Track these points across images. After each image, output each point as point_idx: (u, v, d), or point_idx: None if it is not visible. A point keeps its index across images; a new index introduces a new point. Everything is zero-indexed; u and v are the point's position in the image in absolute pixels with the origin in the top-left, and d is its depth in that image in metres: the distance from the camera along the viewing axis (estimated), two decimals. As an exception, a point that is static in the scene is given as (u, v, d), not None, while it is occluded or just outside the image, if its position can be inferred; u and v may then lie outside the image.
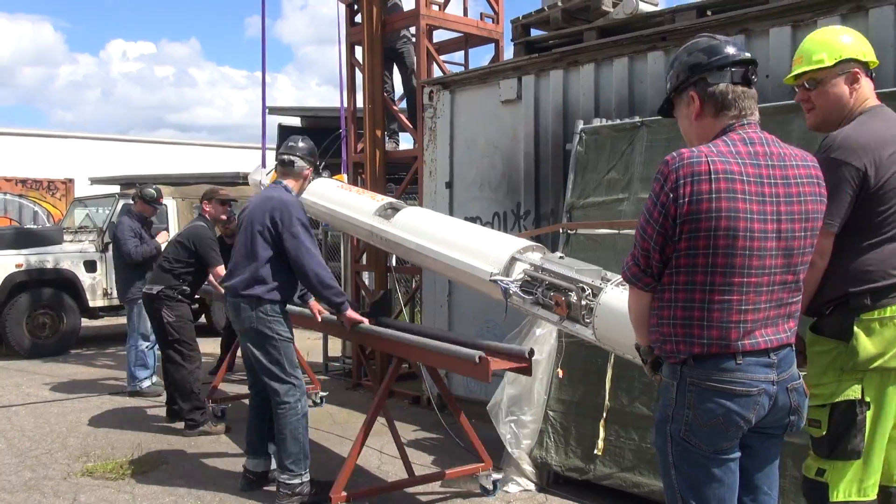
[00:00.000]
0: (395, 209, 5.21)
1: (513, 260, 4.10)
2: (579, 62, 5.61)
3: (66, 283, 9.91)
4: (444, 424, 5.81)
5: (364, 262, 7.71)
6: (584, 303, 3.55)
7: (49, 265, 9.79)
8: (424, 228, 4.89)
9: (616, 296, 3.35)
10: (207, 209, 6.48)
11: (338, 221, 5.74)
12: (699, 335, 2.18)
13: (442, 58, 7.48)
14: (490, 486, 4.67)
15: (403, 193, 7.41)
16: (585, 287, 3.56)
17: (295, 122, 16.13)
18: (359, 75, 7.57)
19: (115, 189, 14.38)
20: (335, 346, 8.74)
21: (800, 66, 2.76)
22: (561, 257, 4.01)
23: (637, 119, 4.81)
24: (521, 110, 6.00)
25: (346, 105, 7.83)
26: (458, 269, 4.43)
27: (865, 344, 2.53)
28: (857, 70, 2.70)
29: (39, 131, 25.59)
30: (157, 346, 7.45)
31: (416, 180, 6.93)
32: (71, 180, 17.96)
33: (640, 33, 5.23)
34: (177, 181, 13.73)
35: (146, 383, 7.36)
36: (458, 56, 7.91)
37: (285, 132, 15.59)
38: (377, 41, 7.17)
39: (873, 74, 2.80)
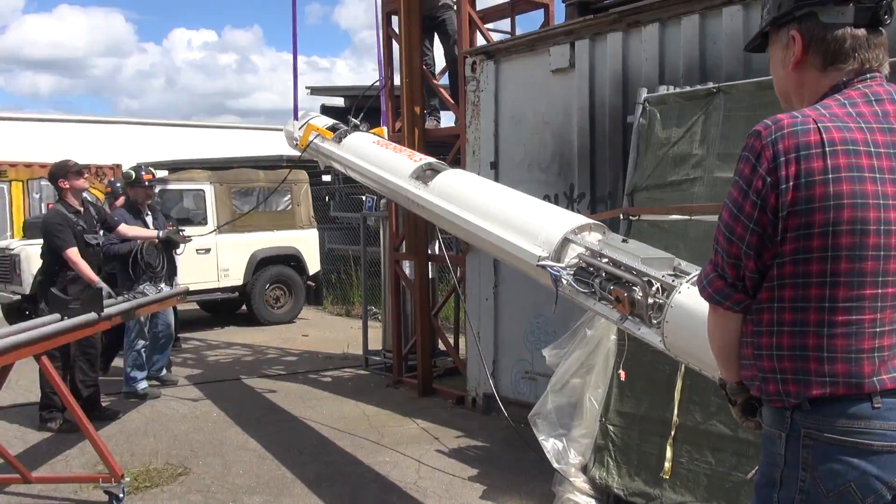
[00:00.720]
0: (435, 171, 4.56)
1: (566, 241, 3.39)
2: (641, 23, 4.89)
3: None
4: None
5: (403, 250, 7.13)
6: (651, 301, 2.87)
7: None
8: (466, 197, 4.21)
9: (694, 296, 2.67)
10: (65, 187, 5.73)
11: (375, 184, 5.16)
12: (817, 371, 1.58)
13: (486, 26, 6.81)
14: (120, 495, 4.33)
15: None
16: (654, 282, 2.87)
17: (338, 101, 15.68)
18: (396, 47, 6.97)
19: (163, 174, 14.12)
20: (375, 339, 8.23)
21: None
22: (624, 240, 3.29)
23: (712, 85, 4.10)
24: (574, 80, 5.32)
25: (384, 81, 7.22)
26: (503, 249, 3.78)
27: None
28: None
29: (87, 117, 25.68)
30: (168, 348, 7.18)
31: (459, 160, 6.30)
32: (118, 166, 17.85)
33: (713, -14, 4.49)
34: (217, 165, 13.37)
35: (142, 384, 6.82)
36: (504, 25, 7.23)
37: (328, 113, 15.20)
38: (415, 8, 6.56)
39: None
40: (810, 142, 1.54)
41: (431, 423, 5.87)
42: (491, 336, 6.04)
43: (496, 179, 5.92)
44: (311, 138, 5.69)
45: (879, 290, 1.57)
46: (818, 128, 1.55)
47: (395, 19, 6.99)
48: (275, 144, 21.52)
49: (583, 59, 5.25)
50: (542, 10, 6.95)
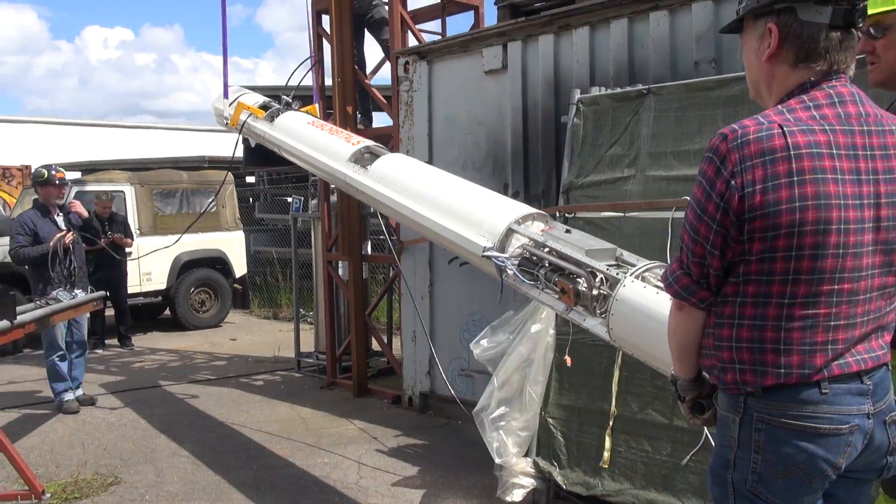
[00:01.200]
0: (374, 155, 4.50)
1: (510, 231, 3.41)
2: (572, 25, 5.01)
3: (16, 277, 9.18)
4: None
5: (336, 250, 7.07)
6: (595, 292, 2.92)
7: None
8: (407, 182, 4.14)
9: (638, 291, 2.76)
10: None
11: (310, 167, 5.08)
12: (774, 362, 1.66)
13: (417, 27, 6.83)
14: None
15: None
16: (598, 273, 2.92)
17: (260, 100, 15.37)
18: (327, 47, 6.91)
19: (76, 175, 13.54)
20: (307, 341, 8.13)
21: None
22: (567, 231, 3.32)
23: (642, 86, 4.24)
24: (507, 81, 5.40)
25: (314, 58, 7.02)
26: (447, 239, 3.76)
27: None
28: None
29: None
30: (84, 354, 6.71)
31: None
32: (27, 167, 17.03)
33: (642, -10, 4.64)
34: (136, 166, 12.94)
35: (68, 396, 6.43)
36: (434, 26, 7.27)
37: (252, 113, 14.91)
38: (346, 7, 6.52)
39: None
40: (775, 146, 1.60)
41: (369, 423, 5.85)
42: (426, 335, 6.07)
43: (430, 179, 5.96)
44: (242, 118, 5.56)
45: (836, 286, 1.63)
46: (783, 132, 1.60)
47: (325, 18, 6.92)
48: (195, 144, 21.11)
49: (515, 61, 5.34)
50: (471, 13, 7.02)
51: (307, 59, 6.59)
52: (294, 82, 6.44)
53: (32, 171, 6.71)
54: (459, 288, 5.77)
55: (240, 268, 11.59)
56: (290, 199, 13.90)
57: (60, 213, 6.58)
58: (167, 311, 11.26)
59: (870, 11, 2.11)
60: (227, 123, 5.77)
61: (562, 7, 5.14)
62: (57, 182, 6.50)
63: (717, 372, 1.77)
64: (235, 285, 11.59)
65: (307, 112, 5.53)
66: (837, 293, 1.64)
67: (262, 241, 14.12)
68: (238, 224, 11.75)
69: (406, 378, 6.34)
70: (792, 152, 1.59)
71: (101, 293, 6.41)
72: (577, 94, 4.49)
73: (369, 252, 7.77)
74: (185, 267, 10.82)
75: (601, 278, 2.90)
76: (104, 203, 9.18)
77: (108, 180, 10.62)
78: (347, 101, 6.59)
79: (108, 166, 13.96)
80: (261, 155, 15.62)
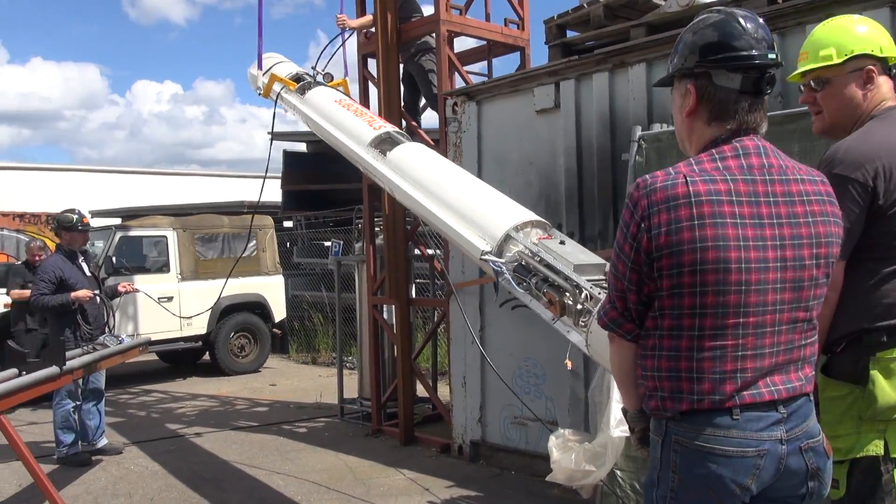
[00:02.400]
0: (394, 142, 4.50)
1: (508, 237, 3.53)
2: (627, 63, 4.90)
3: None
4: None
5: (382, 293, 6.93)
6: (579, 307, 3.00)
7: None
8: (421, 175, 4.26)
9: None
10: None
11: (335, 146, 5.02)
12: (688, 389, 1.80)
13: (464, 68, 6.78)
14: None
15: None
16: (583, 289, 2.99)
17: (301, 147, 15.52)
18: (372, 89, 6.88)
19: (116, 221, 13.68)
20: (349, 387, 7.95)
21: (805, 63, 2.41)
22: (562, 242, 3.40)
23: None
24: (560, 120, 5.28)
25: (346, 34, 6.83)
26: (451, 237, 3.92)
27: (884, 389, 2.14)
28: (871, 67, 2.34)
29: (38, 165, 24.96)
30: (100, 403, 6.42)
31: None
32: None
33: (701, 26, 4.51)
34: (177, 211, 13.01)
35: (74, 448, 6.14)
36: (480, 67, 7.23)
37: (290, 158, 14.99)
38: (393, 50, 6.49)
39: (894, 72, 2.42)
40: (678, 194, 1.76)
41: (418, 473, 5.63)
42: (477, 381, 5.87)
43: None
44: (276, 88, 5.53)
45: (741, 320, 1.76)
46: (686, 181, 1.77)
47: (371, 62, 6.91)
48: (235, 190, 21.33)
49: (568, 99, 5.22)
50: (517, 54, 6.95)
51: (337, 36, 6.47)
52: (324, 59, 6.30)
53: (57, 216, 6.49)
54: (511, 332, 5.58)
55: (279, 312, 11.51)
56: (328, 244, 13.88)
57: (84, 260, 6.47)
58: (206, 356, 11.17)
59: (802, 69, 2.42)
60: (259, 92, 5.74)
61: (615, 45, 5.03)
62: (81, 228, 6.36)
63: (645, 399, 1.90)
64: (275, 330, 11.49)
65: (337, 86, 5.48)
66: (743, 326, 1.77)
67: (300, 286, 14.08)
68: (278, 268, 11.71)
69: (456, 426, 6.12)
70: (693, 199, 1.75)
71: (147, 338, 6.33)
72: (639, 131, 4.35)
73: (413, 295, 7.61)
74: (225, 311, 10.76)
75: (586, 294, 2.98)
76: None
77: (151, 225, 10.67)
78: (394, 144, 6.51)
79: (149, 212, 14.09)
80: (299, 199, 15.75)
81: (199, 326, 10.54)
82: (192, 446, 6.69)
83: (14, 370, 4.36)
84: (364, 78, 7.04)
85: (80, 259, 6.42)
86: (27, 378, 4.26)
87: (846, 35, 2.36)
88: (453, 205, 3.94)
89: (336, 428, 7.31)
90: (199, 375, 10.77)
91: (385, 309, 7.07)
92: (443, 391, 7.27)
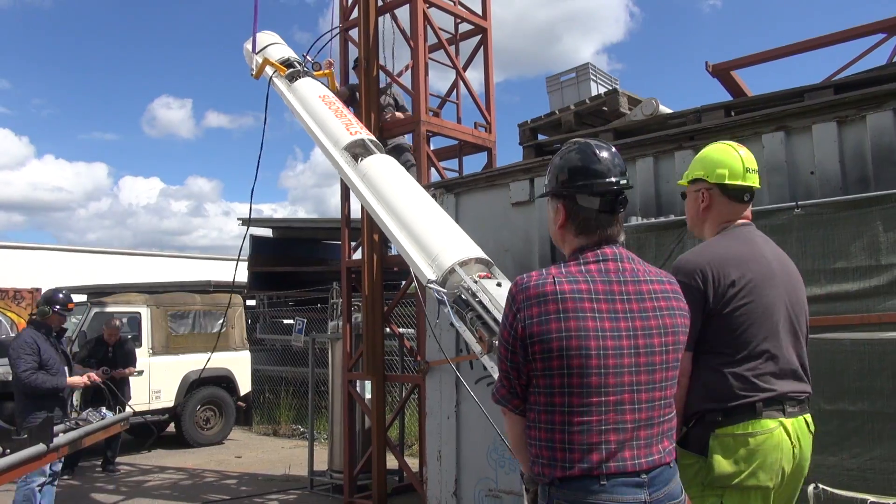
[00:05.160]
0: (367, 151, 4.39)
1: (452, 270, 3.57)
2: (597, 163, 4.89)
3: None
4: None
5: (358, 369, 6.58)
6: None
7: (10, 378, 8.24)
8: (387, 190, 4.20)
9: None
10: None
11: (314, 140, 4.82)
12: (562, 458, 1.89)
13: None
14: None
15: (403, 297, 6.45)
16: None
17: (267, 232, 15.15)
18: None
19: (82, 298, 12.88)
20: (321, 458, 7.44)
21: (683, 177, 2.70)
22: (499, 284, 3.40)
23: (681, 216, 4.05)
24: (535, 213, 5.21)
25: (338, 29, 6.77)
26: (405, 258, 3.93)
27: (720, 461, 2.28)
28: (704, 190, 2.57)
29: (8, 243, 23.64)
30: (55, 482, 5.66)
31: (416, 282, 5.98)
32: (38, 289, 16.26)
33: (666, 133, 4.58)
34: (150, 289, 12.36)
35: None
36: (451, 163, 7.19)
37: (257, 242, 14.60)
38: (375, 147, 6.38)
39: (748, 197, 2.59)
40: (546, 291, 1.89)
41: (396, 547, 5.18)
42: (453, 454, 5.53)
43: (457, 302, 5.64)
44: (268, 71, 5.31)
45: (603, 398, 1.85)
46: (554, 281, 1.90)
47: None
48: (202, 271, 20.59)
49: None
50: (485, 153, 6.96)
51: (333, 29, 6.27)
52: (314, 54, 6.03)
53: (44, 293, 5.90)
54: (488, 407, 5.30)
55: (245, 386, 10.90)
56: (288, 321, 13.40)
57: (57, 336, 5.83)
58: (170, 428, 10.39)
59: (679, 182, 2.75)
60: (252, 72, 5.49)
61: (585, 147, 5.04)
62: (62, 311, 5.74)
63: (532, 464, 1.96)
64: (240, 403, 10.84)
65: (322, 76, 5.27)
66: (605, 403, 1.86)
67: (262, 361, 13.45)
68: (245, 344, 11.17)
69: (430, 499, 5.71)
70: (559, 296, 1.88)
71: (130, 412, 5.76)
72: (618, 223, 4.29)
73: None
74: (193, 385, 10.10)
75: None
76: (112, 330, 8.50)
77: (125, 302, 10.06)
78: (374, 230, 6.33)
79: (117, 289, 13.36)
80: (264, 280, 15.22)
81: (168, 399, 9.89)
82: (165, 521, 6.05)
83: None
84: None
85: (54, 335, 5.83)
86: (13, 458, 3.73)
87: (700, 160, 2.62)
88: (410, 225, 3.96)
89: (307, 500, 6.78)
90: (163, 447, 9.97)
91: (357, 383, 6.70)
92: (410, 461, 6.86)
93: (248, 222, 9.33)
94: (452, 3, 6.97)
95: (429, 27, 6.48)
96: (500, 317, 3.02)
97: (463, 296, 3.43)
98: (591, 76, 5.72)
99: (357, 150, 4.33)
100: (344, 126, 4.62)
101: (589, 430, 1.85)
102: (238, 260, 7.32)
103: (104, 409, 5.46)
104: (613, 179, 2.00)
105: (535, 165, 5.27)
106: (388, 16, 6.70)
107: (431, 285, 3.57)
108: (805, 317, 2.51)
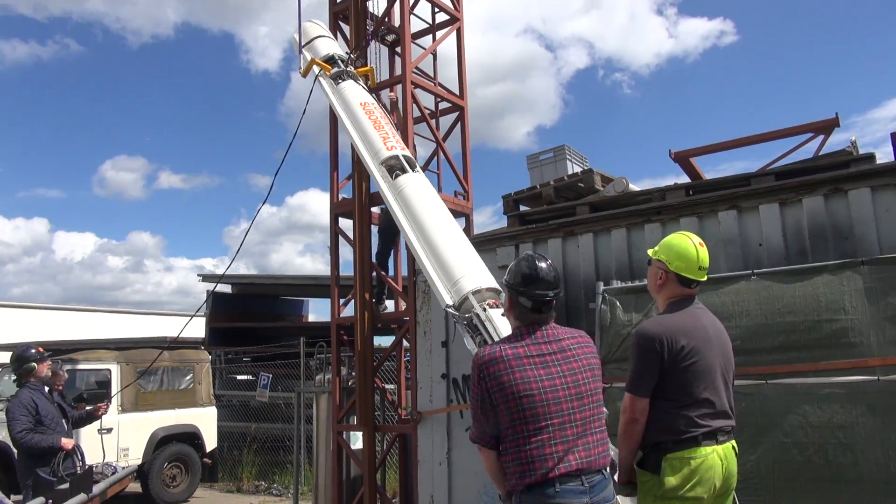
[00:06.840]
0: (402, 168, 4.77)
1: (468, 297, 4.15)
2: (576, 232, 5.59)
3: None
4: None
5: (348, 422, 6.93)
6: None
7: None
8: (420, 212, 4.67)
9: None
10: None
11: (352, 145, 5.23)
12: (527, 469, 2.65)
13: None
14: None
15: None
16: None
17: (227, 289, 15.26)
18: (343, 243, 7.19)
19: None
20: (303, 510, 7.64)
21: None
22: (503, 314, 3.83)
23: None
24: (520, 274, 5.81)
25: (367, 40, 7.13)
26: (427, 279, 4.48)
27: (669, 477, 2.95)
28: (664, 272, 3.22)
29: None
30: None
31: (408, 338, 6.46)
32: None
33: (636, 207, 5.31)
34: (118, 346, 12.28)
35: None
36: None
37: (217, 298, 14.69)
38: (366, 209, 6.91)
39: (695, 285, 3.22)
40: (497, 357, 2.76)
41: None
42: (445, 499, 5.93)
43: (447, 356, 6.15)
44: (315, 70, 5.60)
45: (549, 422, 2.66)
46: (501, 350, 2.78)
47: (342, 220, 7.25)
48: (155, 327, 20.17)
49: (526, 258, 5.79)
50: (463, 219, 7.55)
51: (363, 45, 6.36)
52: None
53: (15, 352, 5.97)
54: (477, 454, 5.73)
55: (211, 442, 10.91)
56: (254, 377, 13.45)
57: (51, 391, 5.96)
58: (135, 486, 10.26)
59: (648, 252, 3.43)
60: (300, 71, 5.76)
61: (564, 218, 5.73)
62: (40, 357, 5.95)
63: (507, 481, 2.73)
64: (205, 460, 10.82)
65: (364, 73, 5.57)
66: (551, 426, 2.67)
67: (221, 417, 13.38)
68: (211, 400, 11.22)
69: (422, 542, 6.07)
70: (505, 359, 2.74)
71: (135, 467, 5.94)
72: (602, 286, 4.94)
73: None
74: (161, 441, 10.09)
75: None
76: (59, 375, 8.27)
77: (96, 359, 10.04)
78: (366, 289, 6.79)
79: (83, 346, 13.15)
80: (223, 336, 15.25)
81: (136, 457, 9.82)
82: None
83: (41, 499, 4.06)
84: (335, 233, 7.36)
85: (47, 390, 5.97)
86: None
87: (666, 246, 3.25)
88: (437, 250, 4.47)
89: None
90: (129, 506, 9.85)
91: (348, 436, 7.03)
92: (393, 511, 7.15)
93: (216, 284, 9.57)
94: (433, 84, 7.68)
95: (414, 105, 7.13)
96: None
97: (474, 321, 4.08)
98: (567, 156, 6.48)
99: (393, 164, 4.72)
100: (382, 140, 5.03)
101: (542, 445, 2.64)
102: (194, 315, 7.66)
103: (114, 463, 5.66)
104: (541, 292, 2.82)
105: (519, 233, 5.91)
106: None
107: (449, 309, 4.21)
108: (732, 370, 3.23)
